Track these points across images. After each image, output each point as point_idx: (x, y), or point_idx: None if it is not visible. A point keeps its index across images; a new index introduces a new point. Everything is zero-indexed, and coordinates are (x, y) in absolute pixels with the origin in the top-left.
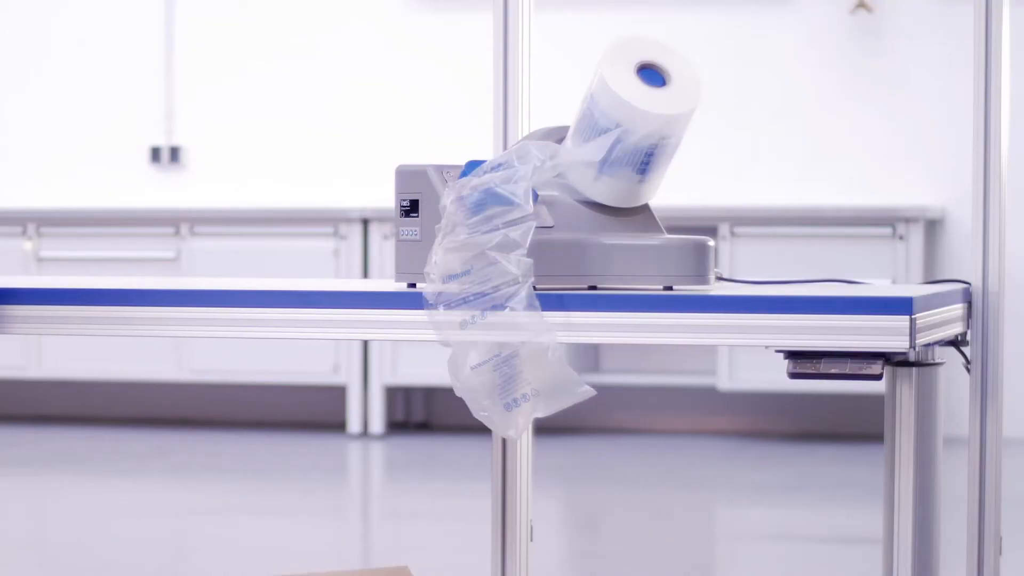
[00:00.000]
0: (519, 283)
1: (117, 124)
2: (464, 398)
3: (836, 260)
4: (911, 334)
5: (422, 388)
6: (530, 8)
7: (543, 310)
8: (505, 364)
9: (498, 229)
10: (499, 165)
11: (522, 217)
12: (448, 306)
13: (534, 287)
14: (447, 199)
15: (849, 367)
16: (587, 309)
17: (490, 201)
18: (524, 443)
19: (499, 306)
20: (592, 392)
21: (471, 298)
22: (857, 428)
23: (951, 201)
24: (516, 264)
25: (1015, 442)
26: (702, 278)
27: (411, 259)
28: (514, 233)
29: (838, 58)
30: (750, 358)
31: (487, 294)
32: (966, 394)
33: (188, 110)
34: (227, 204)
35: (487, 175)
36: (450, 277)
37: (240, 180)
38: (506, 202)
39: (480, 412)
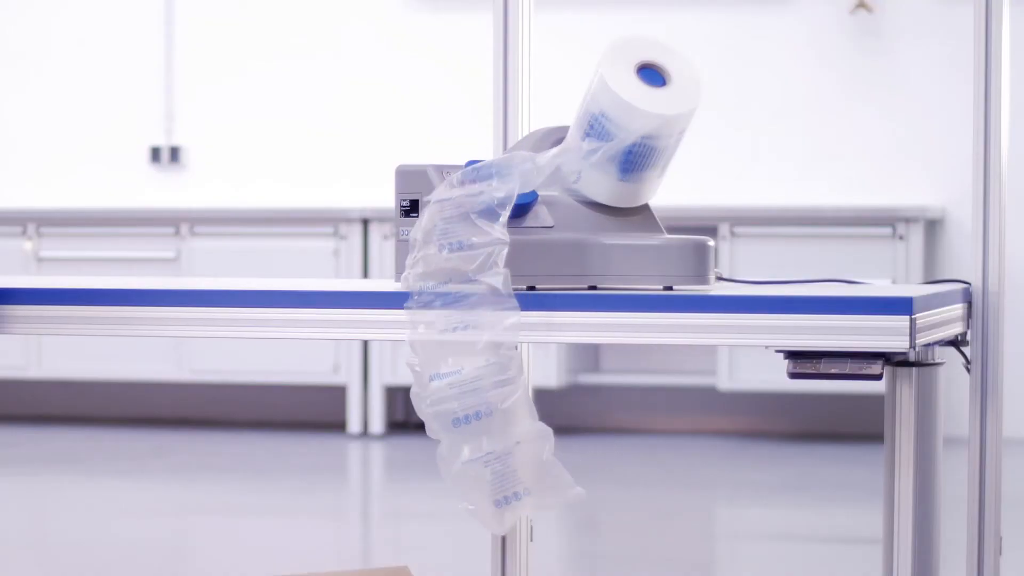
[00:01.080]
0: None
1: (117, 124)
2: (451, 486)
3: (836, 260)
4: (911, 334)
5: None
6: (530, 8)
7: (543, 310)
8: (498, 462)
9: (474, 249)
10: (477, 179)
11: (493, 241)
12: (424, 306)
13: (534, 287)
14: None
15: (849, 367)
16: (587, 309)
17: (464, 222)
18: None
19: (473, 300)
20: (583, 495)
21: (448, 300)
22: (857, 428)
23: (951, 201)
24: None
25: (1015, 442)
26: (702, 278)
27: None
28: (499, 193)
29: (838, 58)
30: (750, 358)
31: (464, 296)
32: (966, 394)
33: (188, 110)
34: (227, 204)
35: (459, 191)
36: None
37: (240, 180)
38: (477, 226)
39: (467, 505)
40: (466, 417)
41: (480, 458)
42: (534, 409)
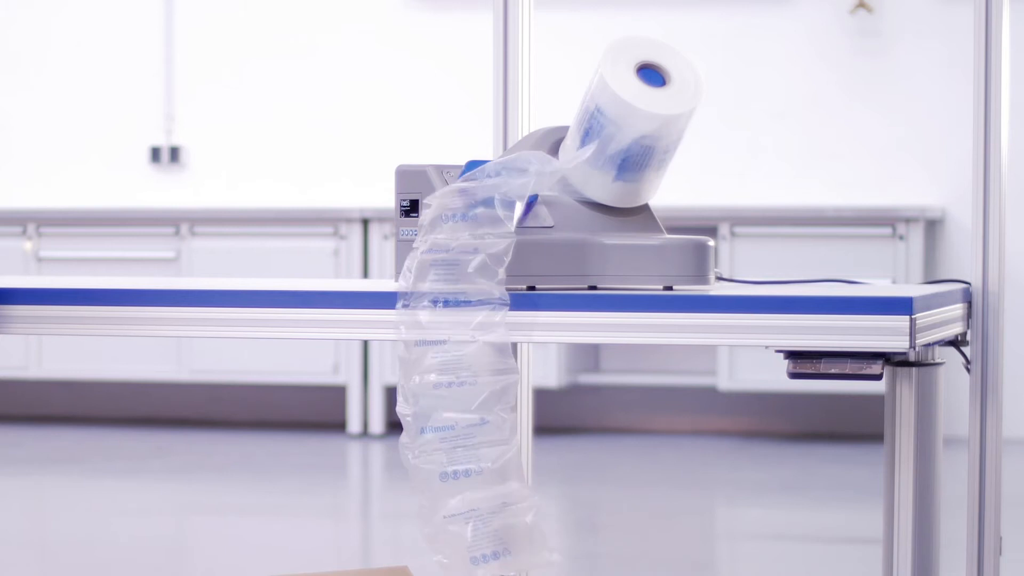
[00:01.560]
0: (496, 305)
1: (117, 124)
2: (427, 541)
3: (836, 260)
4: (911, 334)
5: None
6: (530, 8)
7: (543, 310)
8: (481, 520)
9: (481, 240)
10: (494, 174)
11: (505, 233)
12: (416, 306)
13: (534, 287)
14: (433, 199)
15: (849, 367)
16: (587, 309)
17: (476, 211)
18: (524, 443)
19: (468, 303)
20: (559, 561)
21: (444, 298)
22: (857, 428)
23: (951, 201)
24: (496, 289)
25: (1015, 442)
26: (702, 278)
27: None
28: (494, 248)
29: (838, 58)
30: (750, 358)
31: (461, 301)
32: (966, 394)
33: (188, 110)
34: (227, 204)
35: (476, 183)
36: (424, 273)
37: (240, 180)
38: (493, 217)
39: (441, 559)
40: (455, 472)
41: (463, 514)
42: (523, 472)
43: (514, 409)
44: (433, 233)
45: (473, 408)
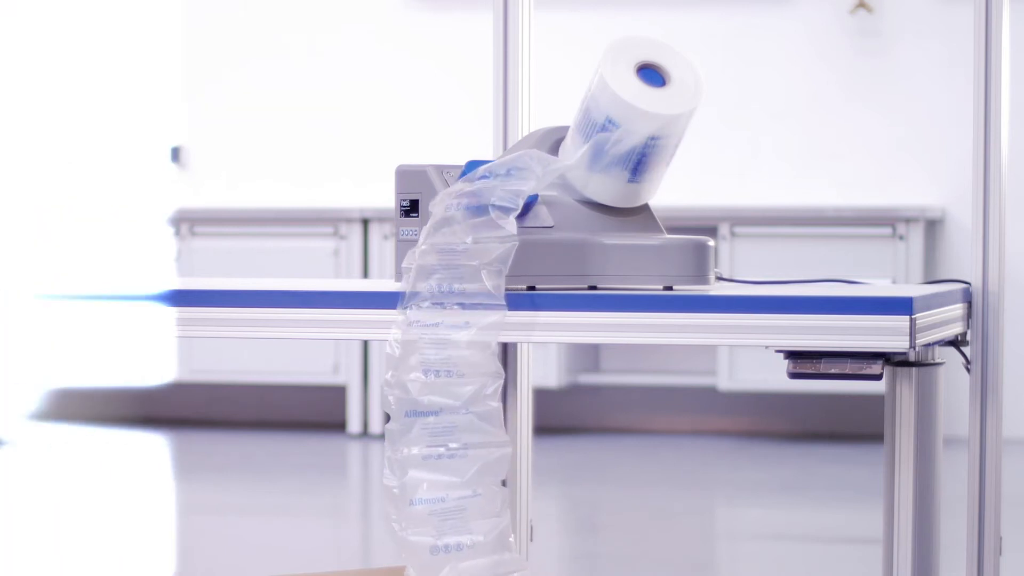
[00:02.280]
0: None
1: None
2: None
3: (836, 260)
4: (911, 334)
5: None
6: (530, 8)
7: (543, 310)
8: None
9: (480, 244)
10: (496, 175)
11: (507, 237)
12: (420, 306)
13: (534, 287)
14: (437, 206)
15: (849, 367)
16: (587, 309)
17: (477, 213)
18: (524, 443)
19: (468, 305)
20: None
21: (444, 297)
22: (857, 428)
23: (951, 201)
24: (492, 285)
25: (1015, 442)
26: (702, 278)
27: None
28: (496, 251)
29: (838, 58)
30: (750, 358)
31: (462, 294)
32: (966, 394)
33: (188, 110)
34: (227, 204)
35: (479, 183)
36: (426, 272)
37: (240, 180)
38: (492, 223)
39: None
40: (446, 547)
41: None
42: (512, 544)
43: (504, 482)
44: (422, 310)
45: (465, 480)
